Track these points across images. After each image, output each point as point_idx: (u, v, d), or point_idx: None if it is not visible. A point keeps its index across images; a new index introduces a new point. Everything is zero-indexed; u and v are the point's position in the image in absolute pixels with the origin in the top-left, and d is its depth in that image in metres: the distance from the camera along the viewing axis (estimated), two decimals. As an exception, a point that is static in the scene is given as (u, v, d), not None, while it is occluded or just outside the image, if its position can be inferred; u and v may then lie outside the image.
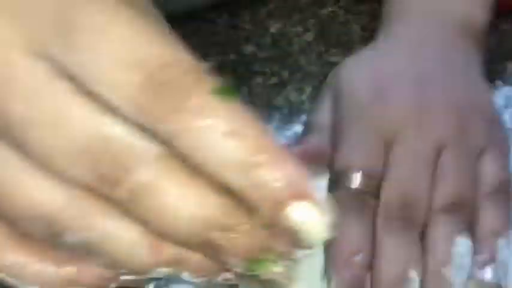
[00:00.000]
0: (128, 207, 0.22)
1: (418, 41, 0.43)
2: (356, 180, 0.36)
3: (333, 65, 0.54)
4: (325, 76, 0.53)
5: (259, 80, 0.54)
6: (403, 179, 0.36)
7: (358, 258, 0.35)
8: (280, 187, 0.22)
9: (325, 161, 0.39)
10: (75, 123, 0.22)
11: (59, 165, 0.22)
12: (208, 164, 0.22)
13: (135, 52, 0.22)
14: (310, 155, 0.39)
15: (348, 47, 0.55)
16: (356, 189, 0.36)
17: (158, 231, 0.23)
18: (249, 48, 0.57)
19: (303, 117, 0.50)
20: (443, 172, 0.37)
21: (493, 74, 0.52)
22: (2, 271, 0.24)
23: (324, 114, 0.42)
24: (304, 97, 0.51)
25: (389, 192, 0.36)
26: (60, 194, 0.23)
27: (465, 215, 0.36)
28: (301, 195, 0.22)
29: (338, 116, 0.40)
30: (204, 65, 0.23)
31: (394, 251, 0.35)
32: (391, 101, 0.39)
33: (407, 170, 0.37)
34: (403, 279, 0.34)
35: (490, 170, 0.38)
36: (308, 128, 0.42)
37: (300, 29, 0.58)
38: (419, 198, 0.36)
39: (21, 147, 0.22)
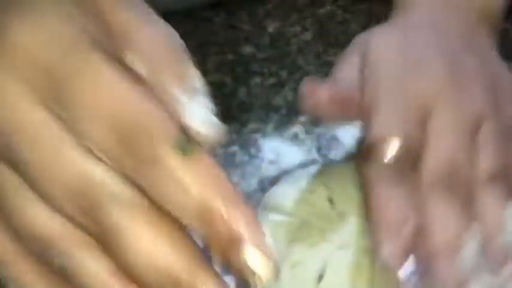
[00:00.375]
0: (104, 243, 0.26)
1: (441, 20, 0.43)
2: (393, 150, 0.36)
3: (331, 64, 0.54)
4: (324, 76, 0.53)
5: (257, 80, 0.54)
6: (446, 148, 0.36)
7: (407, 228, 0.35)
8: (232, 235, 0.25)
9: (353, 110, 0.39)
10: (64, 165, 0.25)
11: (52, 198, 0.26)
12: (174, 211, 0.25)
13: (113, 112, 0.25)
14: (339, 99, 0.39)
15: (346, 47, 0.55)
16: (395, 157, 0.36)
17: (125, 268, 0.26)
18: (247, 49, 0.57)
19: (302, 117, 0.50)
20: (486, 143, 0.37)
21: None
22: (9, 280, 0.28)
23: (352, 71, 0.41)
24: (302, 97, 0.52)
25: (433, 161, 0.36)
26: (53, 221, 0.26)
27: (508, 184, 0.37)
28: (252, 242, 0.25)
29: (371, 84, 0.39)
30: (174, 123, 0.26)
31: (445, 217, 0.35)
32: (426, 73, 0.39)
33: (449, 139, 0.37)
34: (458, 245, 0.34)
35: None
36: (334, 81, 0.41)
37: (298, 28, 0.58)
38: (463, 168, 0.36)
39: (26, 180, 0.26)
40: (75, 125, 0.26)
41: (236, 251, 0.25)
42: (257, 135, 0.49)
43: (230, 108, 0.51)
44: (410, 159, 0.36)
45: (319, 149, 0.48)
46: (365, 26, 0.56)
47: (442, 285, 0.34)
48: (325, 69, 0.54)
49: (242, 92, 0.53)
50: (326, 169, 0.41)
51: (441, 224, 0.35)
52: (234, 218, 0.25)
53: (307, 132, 0.49)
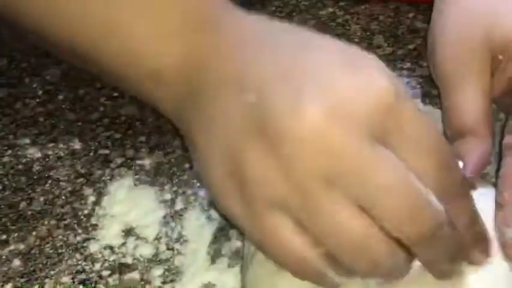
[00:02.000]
0: (423, 250, 0.33)
1: None
2: None
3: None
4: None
5: (261, 80, 0.54)
6: None
7: None
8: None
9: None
10: (409, 192, 0.31)
11: (392, 221, 0.32)
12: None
13: (443, 159, 0.33)
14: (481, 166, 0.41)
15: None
16: None
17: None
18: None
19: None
20: None
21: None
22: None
23: (472, 102, 0.41)
24: (305, 96, 0.52)
25: None
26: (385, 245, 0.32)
27: None
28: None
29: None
30: None
31: None
32: None
33: None
34: None
35: None
36: (454, 134, 0.42)
37: (300, 30, 0.59)
38: None
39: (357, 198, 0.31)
40: (405, 152, 0.32)
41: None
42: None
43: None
44: None
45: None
46: (365, 27, 0.57)
47: None
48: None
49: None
50: None
51: None
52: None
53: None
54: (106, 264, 0.42)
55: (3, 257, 0.42)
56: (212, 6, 0.36)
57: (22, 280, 0.41)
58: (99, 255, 0.42)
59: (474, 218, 0.35)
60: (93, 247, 0.43)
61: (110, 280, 0.41)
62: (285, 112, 0.31)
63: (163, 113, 0.37)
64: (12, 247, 0.43)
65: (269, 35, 0.35)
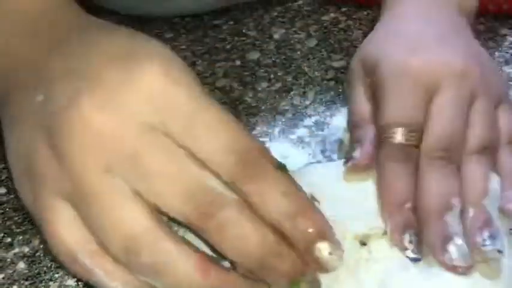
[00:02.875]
0: (213, 236, 0.33)
1: (428, 12, 0.47)
2: (399, 135, 0.40)
3: (335, 70, 0.55)
4: (328, 81, 0.54)
5: (263, 85, 0.55)
6: (445, 123, 0.40)
7: (408, 205, 0.38)
8: (311, 232, 0.35)
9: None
10: (185, 176, 0.33)
11: (168, 203, 0.33)
12: (269, 213, 0.34)
13: (231, 141, 0.33)
14: (362, 166, 0.41)
15: (349, 52, 0.56)
16: (400, 143, 0.40)
17: (231, 255, 0.34)
18: (254, 55, 0.58)
19: (307, 121, 0.51)
20: (476, 119, 0.41)
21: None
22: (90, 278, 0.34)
23: (361, 103, 0.44)
24: (307, 101, 0.53)
25: (431, 135, 0.40)
26: (144, 220, 0.32)
27: (492, 156, 0.40)
28: (324, 237, 0.35)
29: (378, 79, 0.43)
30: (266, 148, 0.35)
31: (436, 183, 0.38)
32: (427, 56, 0.42)
33: (447, 117, 0.40)
34: (446, 207, 0.37)
35: (507, 120, 0.42)
36: (353, 125, 0.44)
37: (302, 35, 0.60)
38: (457, 141, 0.40)
39: (134, 183, 0.33)
40: (197, 147, 0.33)
41: (313, 246, 0.34)
42: (264, 139, 0.50)
43: (238, 112, 0.52)
44: (416, 140, 0.40)
45: (324, 152, 0.48)
46: (367, 32, 0.57)
47: (429, 239, 0.37)
48: (329, 74, 0.55)
49: (249, 96, 0.54)
50: (311, 169, 0.43)
51: (431, 191, 0.38)
52: (312, 223, 0.34)
53: (312, 135, 0.50)
54: (109, 267, 0.42)
55: (8, 259, 0.43)
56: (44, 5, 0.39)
57: (27, 283, 0.41)
58: (103, 258, 0.43)
59: (290, 192, 0.35)
60: (97, 250, 0.43)
61: (114, 283, 0.41)
62: (63, 109, 0.33)
63: None
64: (17, 250, 0.43)
65: (74, 38, 0.37)
